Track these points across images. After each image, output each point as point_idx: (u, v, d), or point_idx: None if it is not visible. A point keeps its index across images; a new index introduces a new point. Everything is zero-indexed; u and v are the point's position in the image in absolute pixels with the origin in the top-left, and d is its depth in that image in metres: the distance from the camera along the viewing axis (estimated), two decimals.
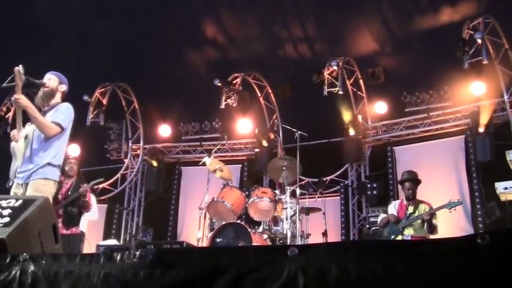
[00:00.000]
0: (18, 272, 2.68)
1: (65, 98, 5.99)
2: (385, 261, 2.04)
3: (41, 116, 5.55)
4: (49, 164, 5.55)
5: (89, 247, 9.44)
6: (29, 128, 5.70)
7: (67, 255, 2.75)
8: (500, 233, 2.03)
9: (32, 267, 2.69)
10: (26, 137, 5.64)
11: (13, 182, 5.62)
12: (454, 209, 7.76)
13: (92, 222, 9.94)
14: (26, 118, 5.65)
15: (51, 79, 5.84)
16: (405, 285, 1.99)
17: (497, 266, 1.92)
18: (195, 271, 2.35)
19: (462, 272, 1.95)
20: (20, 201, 3.82)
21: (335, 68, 12.64)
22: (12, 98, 5.44)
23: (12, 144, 5.70)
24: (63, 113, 5.73)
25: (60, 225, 7.34)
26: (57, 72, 5.98)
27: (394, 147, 13.42)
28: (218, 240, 8.19)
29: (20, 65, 5.38)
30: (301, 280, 2.09)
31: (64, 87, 5.95)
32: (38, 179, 5.47)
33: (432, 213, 7.72)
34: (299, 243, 8.31)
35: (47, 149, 5.58)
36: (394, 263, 2.03)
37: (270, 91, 14.57)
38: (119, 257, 2.56)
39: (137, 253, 2.53)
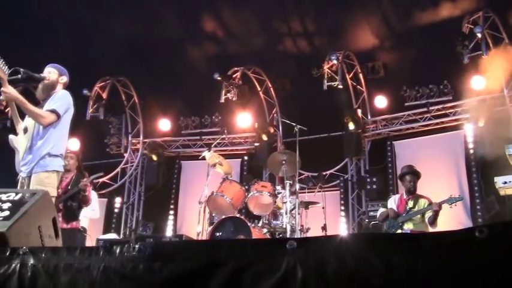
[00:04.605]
0: (18, 265, 2.70)
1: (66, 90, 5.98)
2: (383, 254, 2.05)
3: (33, 106, 5.47)
4: (49, 154, 5.53)
5: (90, 241, 9.46)
6: (28, 120, 5.70)
7: (66, 248, 2.76)
8: (498, 226, 2.03)
9: (31, 261, 2.70)
10: (25, 130, 5.65)
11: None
12: (455, 205, 7.77)
13: None
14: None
15: (51, 72, 5.82)
16: (403, 278, 2.00)
17: (495, 259, 1.92)
18: (193, 264, 2.36)
19: (460, 265, 1.96)
20: (19, 195, 3.83)
21: (335, 62, 12.64)
22: (0, 91, 5.34)
23: (11, 137, 5.68)
24: (59, 100, 5.68)
25: (60, 219, 7.33)
26: (56, 65, 5.96)
27: (393, 142, 13.43)
28: (218, 234, 8.19)
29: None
30: (300, 273, 2.10)
31: (65, 79, 5.92)
32: (40, 172, 5.46)
33: (441, 204, 7.71)
34: (298, 237, 8.33)
35: (45, 139, 5.55)
36: (392, 255, 2.03)
37: (270, 85, 14.57)
38: (118, 250, 2.57)
39: (136, 246, 2.54)
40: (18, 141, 5.64)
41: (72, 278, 2.58)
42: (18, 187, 5.55)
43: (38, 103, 5.66)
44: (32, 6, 12.63)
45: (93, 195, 8.75)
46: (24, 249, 2.76)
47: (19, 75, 5.39)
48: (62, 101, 5.71)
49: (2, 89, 5.31)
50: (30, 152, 5.54)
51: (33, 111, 5.48)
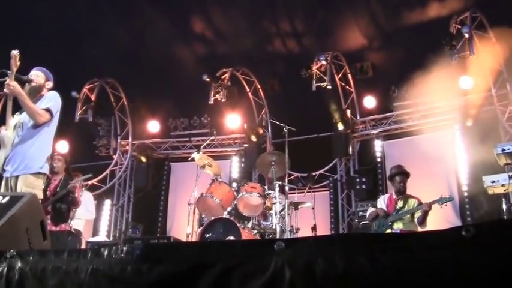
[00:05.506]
0: (6, 268, 2.68)
1: None
2: (371, 254, 2.05)
3: (32, 103, 5.50)
4: (39, 156, 5.51)
5: (83, 243, 9.46)
6: (18, 118, 5.66)
7: (54, 251, 2.75)
8: (485, 225, 2.04)
9: (19, 264, 2.69)
10: (14, 127, 5.61)
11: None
12: (446, 205, 7.80)
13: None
14: (16, 108, 5.61)
15: (39, 76, 5.80)
16: (391, 278, 2.00)
17: (482, 258, 1.93)
18: (182, 266, 2.35)
19: (448, 264, 1.97)
20: (7, 198, 3.81)
21: (323, 62, 12.63)
22: (5, 84, 5.33)
23: (2, 133, 5.62)
24: (52, 100, 5.69)
25: (48, 221, 7.31)
26: (44, 68, 5.93)
27: (382, 142, 13.45)
28: (207, 235, 8.20)
29: (16, 50, 5.34)
30: (288, 273, 2.10)
31: (50, 84, 5.92)
32: (29, 175, 5.42)
33: (431, 205, 7.73)
34: (286, 238, 8.32)
35: (36, 139, 5.53)
36: (380, 256, 2.04)
37: (259, 86, 14.57)
38: (106, 253, 2.56)
39: (124, 248, 2.53)
40: (7, 137, 5.58)
41: (60, 281, 2.57)
42: (2, 187, 5.51)
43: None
44: (20, 7, 12.57)
45: (88, 195, 8.76)
46: (12, 253, 2.75)
47: (6, 77, 5.36)
48: (54, 101, 5.71)
49: (7, 82, 5.30)
50: (18, 151, 5.48)
51: (33, 108, 5.48)
